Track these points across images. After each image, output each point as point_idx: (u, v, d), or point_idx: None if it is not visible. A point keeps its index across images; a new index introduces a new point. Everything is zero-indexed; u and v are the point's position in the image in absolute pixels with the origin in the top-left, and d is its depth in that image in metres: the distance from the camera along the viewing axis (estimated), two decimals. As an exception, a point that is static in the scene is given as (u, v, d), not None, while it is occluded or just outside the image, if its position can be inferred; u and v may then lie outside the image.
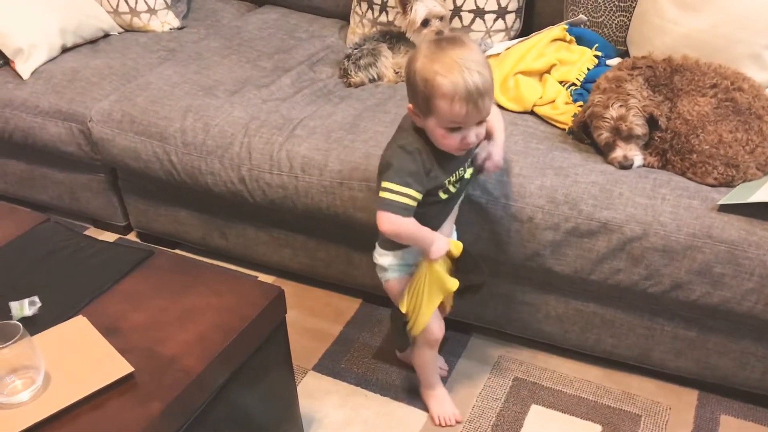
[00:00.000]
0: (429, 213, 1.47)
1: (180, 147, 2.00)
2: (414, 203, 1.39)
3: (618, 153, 1.70)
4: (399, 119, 1.94)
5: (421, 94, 1.33)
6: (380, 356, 1.95)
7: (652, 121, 1.69)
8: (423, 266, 1.49)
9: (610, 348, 1.81)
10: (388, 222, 1.38)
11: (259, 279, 2.19)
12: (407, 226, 1.40)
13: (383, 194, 1.38)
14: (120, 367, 1.22)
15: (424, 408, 1.79)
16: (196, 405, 1.28)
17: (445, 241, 1.47)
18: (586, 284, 1.71)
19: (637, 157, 1.70)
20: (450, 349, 1.94)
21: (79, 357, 1.25)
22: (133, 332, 1.33)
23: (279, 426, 1.60)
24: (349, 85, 2.19)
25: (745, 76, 1.73)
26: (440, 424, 1.74)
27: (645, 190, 1.62)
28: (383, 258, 1.57)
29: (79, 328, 1.31)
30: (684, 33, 1.88)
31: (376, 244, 1.59)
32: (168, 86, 2.16)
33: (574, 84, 1.95)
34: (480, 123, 1.36)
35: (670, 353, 1.75)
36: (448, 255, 1.50)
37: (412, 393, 1.83)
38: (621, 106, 1.67)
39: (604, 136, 1.70)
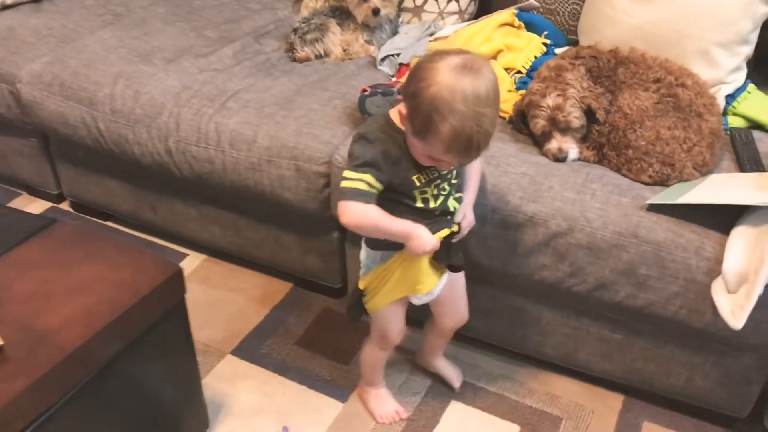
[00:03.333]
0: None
1: (108, 114, 1.92)
2: (371, 189, 1.26)
3: (553, 144, 1.63)
4: (338, 98, 1.89)
5: (421, 121, 1.18)
6: (303, 343, 1.87)
7: (590, 114, 1.62)
8: (399, 259, 1.38)
9: (536, 346, 1.75)
10: (347, 210, 1.25)
11: (189, 257, 2.12)
12: (366, 213, 1.26)
13: (342, 184, 1.26)
14: (-13, 339, 1.15)
15: (343, 399, 1.73)
16: (77, 379, 1.21)
17: (430, 238, 1.31)
18: (512, 279, 1.64)
19: (572, 150, 1.63)
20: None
21: (-55, 326, 1.18)
22: (13, 303, 1.25)
23: (180, 409, 1.54)
24: (294, 60, 2.11)
25: (691, 72, 1.66)
26: (383, 423, 1.67)
27: (575, 184, 1.55)
28: (362, 252, 1.46)
29: (-47, 296, 1.24)
30: (635, 24, 1.81)
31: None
32: (103, 51, 2.07)
33: (519, 72, 1.88)
34: None
35: (596, 355, 1.69)
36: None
37: (331, 382, 1.77)
38: (558, 95, 1.60)
39: (539, 125, 1.63)
